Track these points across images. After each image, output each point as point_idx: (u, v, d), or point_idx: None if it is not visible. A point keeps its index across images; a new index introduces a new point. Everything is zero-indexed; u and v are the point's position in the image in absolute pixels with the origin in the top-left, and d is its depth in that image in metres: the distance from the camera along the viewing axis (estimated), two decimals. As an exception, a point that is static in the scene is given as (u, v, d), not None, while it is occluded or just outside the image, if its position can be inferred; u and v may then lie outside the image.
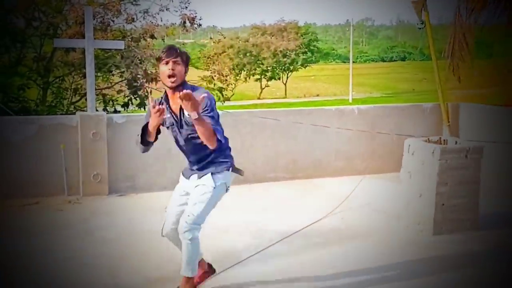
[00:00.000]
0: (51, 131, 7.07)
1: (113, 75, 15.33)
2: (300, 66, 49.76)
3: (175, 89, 3.84)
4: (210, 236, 5.62)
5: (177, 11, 15.37)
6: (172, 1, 15.10)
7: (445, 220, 5.76)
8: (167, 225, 4.19)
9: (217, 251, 5.20)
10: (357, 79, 51.95)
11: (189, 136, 3.94)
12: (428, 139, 6.10)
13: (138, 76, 15.00)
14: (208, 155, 3.99)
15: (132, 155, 7.35)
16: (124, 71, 14.81)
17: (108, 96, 14.81)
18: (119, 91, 15.26)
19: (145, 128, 3.93)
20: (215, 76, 16.97)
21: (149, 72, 15.31)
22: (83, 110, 11.18)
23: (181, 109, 3.85)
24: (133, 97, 14.77)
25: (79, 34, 11.40)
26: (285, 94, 48.84)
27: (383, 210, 6.61)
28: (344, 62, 69.00)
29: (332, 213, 6.46)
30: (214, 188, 3.98)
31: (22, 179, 6.94)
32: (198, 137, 3.82)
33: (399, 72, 62.06)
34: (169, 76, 3.81)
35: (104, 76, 15.08)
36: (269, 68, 46.70)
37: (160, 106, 3.71)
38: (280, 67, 47.90)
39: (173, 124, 3.96)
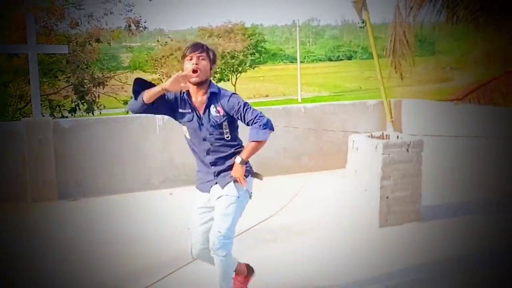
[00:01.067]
0: (-4, 138, 6.96)
1: (59, 80, 15.12)
2: (248, 67, 50.03)
3: (199, 85, 3.70)
4: (164, 238, 5.70)
5: (121, 15, 15.34)
6: (116, 5, 15.06)
7: (389, 213, 5.99)
8: (195, 246, 3.94)
9: (171, 252, 5.26)
10: (305, 78, 52.59)
11: (211, 135, 3.77)
12: (371, 134, 6.31)
13: (85, 80, 14.85)
14: (227, 157, 3.81)
15: (80, 159, 7.31)
16: (70, 76, 14.63)
17: (54, 102, 14.60)
18: (65, 97, 15.07)
19: (144, 86, 3.70)
20: (163, 78, 16.98)
21: (95, 76, 15.17)
22: (29, 117, 11.01)
23: (206, 107, 3.73)
24: (80, 102, 14.60)
25: (23, 39, 11.21)
26: (235, 95, 48.77)
27: (330, 206, 6.79)
28: (292, 62, 69.71)
29: (281, 211, 6.60)
30: (238, 197, 3.77)
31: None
32: (220, 137, 3.77)
33: (346, 71, 63.14)
34: (193, 71, 3.63)
35: (50, 81, 14.86)
36: (217, 69, 46.66)
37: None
38: (229, 69, 48.01)
39: (192, 120, 3.77)
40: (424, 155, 6.11)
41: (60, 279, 4.76)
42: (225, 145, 3.80)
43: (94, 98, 15.02)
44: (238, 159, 3.74)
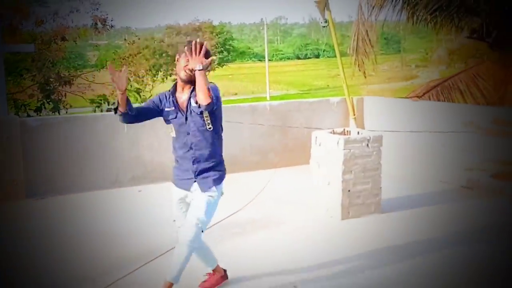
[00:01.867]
0: (-38, 137, 6.96)
1: (24, 79, 14.97)
2: (217, 65, 50.09)
3: (186, 82, 3.92)
4: (135, 233, 5.83)
5: (88, 13, 15.29)
6: (82, 3, 15.01)
7: (351, 205, 6.23)
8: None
9: (142, 246, 5.40)
10: (274, 76, 52.86)
11: (194, 128, 3.95)
12: (333, 130, 6.53)
13: (51, 79, 14.75)
14: (209, 156, 3.99)
15: (48, 158, 7.36)
16: (35, 74, 14.52)
17: (19, 101, 14.47)
18: (31, 96, 14.93)
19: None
20: (131, 77, 16.99)
21: (62, 75, 15.09)
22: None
23: (188, 100, 3.93)
24: (46, 101, 14.49)
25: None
26: (203, 93, 48.79)
27: (295, 199, 7.01)
28: (261, 61, 69.82)
29: (248, 205, 6.78)
30: (213, 198, 4.01)
31: None
32: (205, 130, 3.92)
33: (314, 69, 63.67)
34: (190, 69, 3.82)
35: (15, 80, 14.72)
36: (185, 68, 46.61)
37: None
38: (197, 67, 47.97)
39: (176, 117, 3.98)
40: (384, 149, 6.37)
41: (29, 275, 4.84)
42: (207, 138, 3.96)
43: (60, 97, 14.95)
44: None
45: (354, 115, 8.93)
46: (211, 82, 3.94)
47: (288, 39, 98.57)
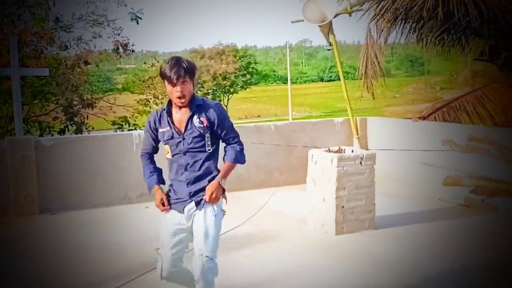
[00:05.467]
0: (-19, 156, 7.40)
1: (49, 102, 15.46)
2: (240, 88, 50.67)
3: (182, 107, 3.78)
4: (134, 246, 6.14)
5: (110, 38, 15.79)
6: (105, 29, 15.54)
7: (345, 221, 6.44)
8: (166, 269, 3.84)
9: (140, 259, 5.68)
10: (297, 99, 53.27)
11: (191, 148, 3.77)
12: (329, 149, 6.78)
13: (74, 102, 15.25)
14: (206, 175, 3.81)
15: (61, 175, 7.75)
16: (59, 98, 15.01)
17: (44, 123, 14.97)
18: (55, 118, 15.43)
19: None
20: (150, 99, 17.47)
21: (84, 98, 15.60)
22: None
23: (188, 119, 3.75)
24: (69, 124, 14.97)
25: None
26: (227, 116, 49.43)
27: (293, 215, 7.26)
28: (285, 83, 70.33)
29: (247, 221, 7.04)
30: (216, 216, 3.80)
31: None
32: (201, 151, 3.77)
33: (337, 91, 63.71)
34: (179, 97, 3.69)
35: (40, 103, 15.22)
36: (209, 91, 47.42)
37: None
38: (221, 90, 48.71)
39: (172, 137, 3.79)
40: (384, 167, 6.56)
41: (41, 284, 5.19)
42: (204, 158, 3.79)
43: (83, 120, 15.43)
44: (222, 181, 3.81)
45: (358, 135, 9.16)
46: (217, 102, 3.99)
47: (312, 62, 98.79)
